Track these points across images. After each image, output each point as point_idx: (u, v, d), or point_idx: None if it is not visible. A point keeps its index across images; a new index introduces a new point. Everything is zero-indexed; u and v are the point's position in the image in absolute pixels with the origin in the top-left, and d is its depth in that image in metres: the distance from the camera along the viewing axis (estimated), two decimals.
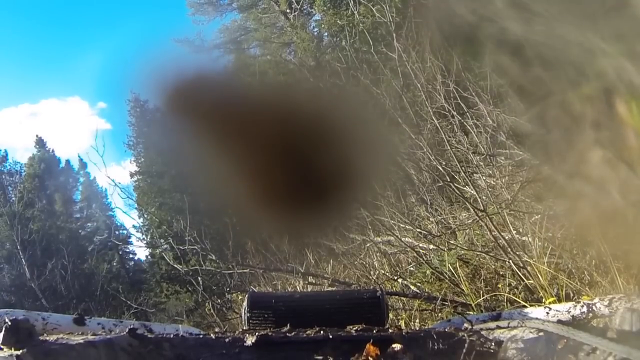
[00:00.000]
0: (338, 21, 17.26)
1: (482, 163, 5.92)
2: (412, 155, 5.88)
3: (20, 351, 1.22)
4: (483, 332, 1.58)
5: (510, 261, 4.71)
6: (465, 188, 5.55)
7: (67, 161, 31.51)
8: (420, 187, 6.92)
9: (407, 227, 6.40)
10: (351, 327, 1.81)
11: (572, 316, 1.83)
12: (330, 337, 1.59)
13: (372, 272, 6.94)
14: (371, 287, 5.46)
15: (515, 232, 4.89)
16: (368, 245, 6.82)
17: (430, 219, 6.72)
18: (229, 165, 1.31)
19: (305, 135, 1.27)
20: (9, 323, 1.26)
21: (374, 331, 1.69)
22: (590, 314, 1.80)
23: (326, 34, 20.68)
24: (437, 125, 5.65)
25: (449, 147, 5.65)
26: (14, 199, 26.45)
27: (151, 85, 1.33)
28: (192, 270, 8.36)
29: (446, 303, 5.07)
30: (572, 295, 3.97)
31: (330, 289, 6.25)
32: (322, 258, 7.70)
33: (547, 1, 1.33)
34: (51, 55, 46.51)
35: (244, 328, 2.01)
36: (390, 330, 1.73)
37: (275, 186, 1.30)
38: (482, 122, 5.82)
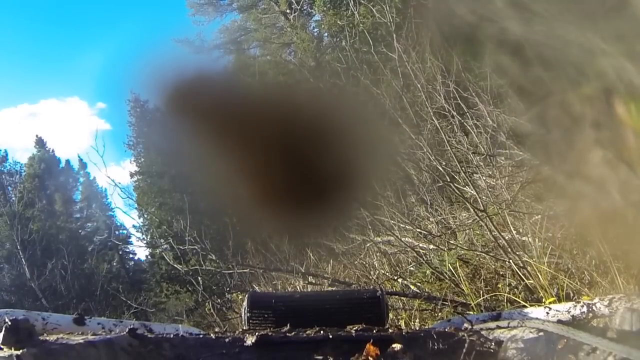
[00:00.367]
0: (338, 21, 17.27)
1: (482, 163, 5.92)
2: (412, 156, 5.88)
3: (20, 351, 1.22)
4: (483, 332, 1.58)
5: (510, 261, 4.71)
6: (465, 188, 5.56)
7: (67, 161, 31.56)
8: (420, 187, 6.92)
9: (407, 227, 6.40)
10: (351, 327, 1.81)
11: (572, 316, 1.82)
12: (330, 337, 1.59)
13: (372, 272, 6.94)
14: (371, 287, 5.46)
15: (515, 232, 4.89)
16: (368, 245, 6.82)
17: (430, 219, 6.72)
18: (229, 165, 1.31)
19: (305, 136, 1.27)
20: (9, 323, 1.26)
21: (374, 331, 1.69)
22: (590, 314, 1.80)
23: (326, 34, 20.70)
24: (437, 125, 5.66)
25: (449, 147, 5.65)
26: (14, 199, 26.46)
27: (151, 86, 1.33)
28: (192, 270, 8.35)
29: (446, 303, 5.07)
30: (572, 295, 3.96)
31: (330, 288, 6.25)
32: (322, 258, 7.70)
33: (547, 1, 1.33)
34: (50, 56, 46.62)
35: (244, 328, 2.01)
36: (390, 330, 1.73)
37: (276, 186, 1.30)
38: (482, 123, 5.82)
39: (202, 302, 10.85)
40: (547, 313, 1.90)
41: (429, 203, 6.80)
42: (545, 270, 4.22)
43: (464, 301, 4.94)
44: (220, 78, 1.49)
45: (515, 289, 4.83)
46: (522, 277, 4.58)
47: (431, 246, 5.98)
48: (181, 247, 7.71)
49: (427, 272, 5.98)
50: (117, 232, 27.48)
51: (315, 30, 22.39)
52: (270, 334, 1.68)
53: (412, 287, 6.12)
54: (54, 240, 24.11)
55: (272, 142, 1.26)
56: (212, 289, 9.80)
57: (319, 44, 20.92)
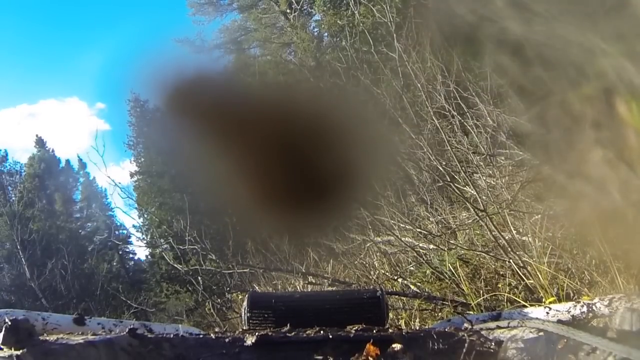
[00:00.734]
0: (338, 21, 17.26)
1: (482, 163, 5.92)
2: (413, 155, 5.88)
3: (20, 351, 1.22)
4: (483, 332, 1.58)
5: (511, 261, 4.71)
6: (465, 188, 5.55)
7: (67, 161, 31.56)
8: (421, 187, 6.92)
9: (407, 226, 6.40)
10: (351, 327, 1.81)
11: (572, 316, 1.82)
12: (330, 337, 1.59)
13: (372, 272, 6.94)
14: (371, 286, 5.46)
15: (515, 232, 4.88)
16: (368, 245, 6.83)
17: (431, 219, 6.72)
18: (229, 165, 1.31)
19: (305, 135, 1.27)
20: (9, 323, 1.26)
21: (374, 331, 1.69)
22: (590, 314, 1.80)
23: (326, 34, 20.70)
24: (437, 125, 5.65)
25: (449, 147, 5.65)
26: (14, 198, 26.46)
27: (151, 85, 1.33)
28: (192, 270, 8.35)
29: (446, 303, 5.07)
30: (572, 295, 3.96)
31: (330, 288, 6.25)
32: (322, 258, 7.70)
33: (547, 1, 1.33)
34: (50, 56, 46.58)
35: (244, 328, 2.01)
36: (390, 330, 1.73)
37: (276, 186, 1.30)
38: (482, 122, 5.82)
39: (202, 302, 10.86)
40: (547, 313, 1.90)
41: (429, 203, 6.80)
42: (546, 270, 4.22)
43: (464, 301, 4.94)
44: (221, 78, 1.49)
45: (516, 289, 4.83)
46: (522, 276, 4.58)
47: (431, 246, 5.98)
48: (181, 247, 7.71)
49: (427, 271, 5.98)
50: (117, 232, 27.50)
51: (316, 30, 22.41)
52: (270, 334, 1.68)
53: (412, 286, 6.12)
54: (54, 240, 24.10)
55: (272, 142, 1.26)
56: (212, 288, 9.81)
57: (319, 43, 20.92)
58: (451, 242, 5.83)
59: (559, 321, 1.65)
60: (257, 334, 1.60)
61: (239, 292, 8.44)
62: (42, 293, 20.25)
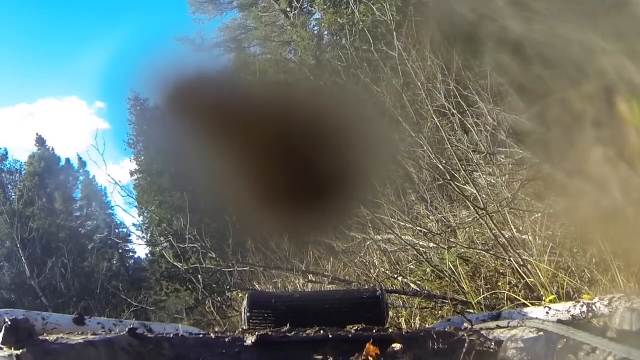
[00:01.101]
0: (338, 20, 17.24)
1: (482, 161, 5.92)
2: (413, 154, 5.88)
3: (20, 351, 1.22)
4: (483, 332, 1.58)
5: (511, 259, 4.71)
6: (465, 186, 5.55)
7: (67, 160, 31.54)
8: (421, 185, 6.92)
9: (407, 225, 6.40)
10: (351, 326, 1.81)
11: (572, 316, 1.82)
12: (330, 337, 1.59)
13: (372, 271, 6.94)
14: (371, 285, 5.46)
15: (515, 230, 4.89)
16: (368, 243, 6.83)
17: (431, 217, 6.72)
18: (229, 164, 1.30)
19: (305, 134, 1.27)
20: (9, 323, 1.26)
21: (374, 331, 1.69)
22: (590, 314, 1.80)
23: (326, 32, 20.67)
24: (438, 123, 5.65)
25: (449, 146, 5.65)
26: (14, 197, 26.44)
27: (151, 84, 1.33)
28: (193, 268, 8.36)
29: (446, 301, 5.07)
30: (572, 293, 3.97)
31: (330, 287, 6.25)
32: (322, 256, 7.71)
33: (547, 0, 1.33)
34: (49, 55, 46.38)
35: (244, 328, 2.01)
36: (390, 330, 1.73)
37: (276, 184, 1.30)
38: (483, 121, 5.81)
39: (202, 301, 10.87)
40: (547, 313, 1.89)
41: (429, 201, 6.80)
42: (546, 269, 4.22)
43: (464, 299, 4.95)
44: (221, 76, 1.49)
45: (516, 287, 4.83)
46: (523, 275, 4.58)
47: (431, 244, 5.98)
48: (181, 245, 7.71)
49: (428, 270, 5.99)
50: (117, 231, 27.47)
51: (316, 28, 22.37)
52: (270, 333, 1.67)
53: (412, 285, 6.12)
54: (54, 238, 24.11)
55: (272, 141, 1.26)
56: (212, 287, 9.82)
57: (320, 42, 20.90)
58: (451, 240, 5.83)
59: (559, 321, 1.65)
60: (257, 333, 1.60)
61: (239, 291, 8.44)
62: (42, 292, 20.26)
